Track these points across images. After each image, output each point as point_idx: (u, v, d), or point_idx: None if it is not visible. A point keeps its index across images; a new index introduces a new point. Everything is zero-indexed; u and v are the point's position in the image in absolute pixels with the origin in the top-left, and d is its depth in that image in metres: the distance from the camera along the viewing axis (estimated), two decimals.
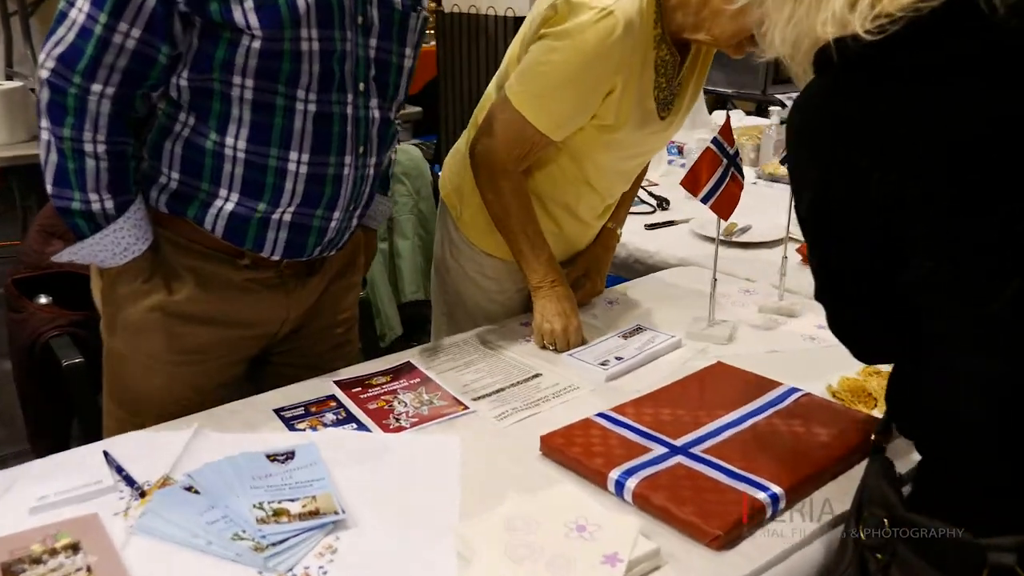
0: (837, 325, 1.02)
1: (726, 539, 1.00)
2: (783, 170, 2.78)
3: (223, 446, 1.19)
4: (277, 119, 1.24)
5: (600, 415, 1.26)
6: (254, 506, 1.04)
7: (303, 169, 1.29)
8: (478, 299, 1.70)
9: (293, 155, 1.27)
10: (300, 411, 1.31)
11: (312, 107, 1.26)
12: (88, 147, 1.21)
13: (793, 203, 0.98)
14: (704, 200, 1.48)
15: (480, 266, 1.68)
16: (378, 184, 1.50)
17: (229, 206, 1.29)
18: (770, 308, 1.71)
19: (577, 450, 1.16)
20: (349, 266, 1.55)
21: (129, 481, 1.12)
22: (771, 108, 2.97)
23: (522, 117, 1.47)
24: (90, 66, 1.16)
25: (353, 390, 1.38)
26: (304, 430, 1.26)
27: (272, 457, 1.16)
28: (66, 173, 1.22)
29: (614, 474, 1.10)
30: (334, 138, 1.30)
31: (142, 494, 1.09)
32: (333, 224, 1.37)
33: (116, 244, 1.27)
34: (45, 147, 1.21)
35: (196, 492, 1.08)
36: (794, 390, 1.33)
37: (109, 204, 1.25)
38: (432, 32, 3.92)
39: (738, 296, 1.80)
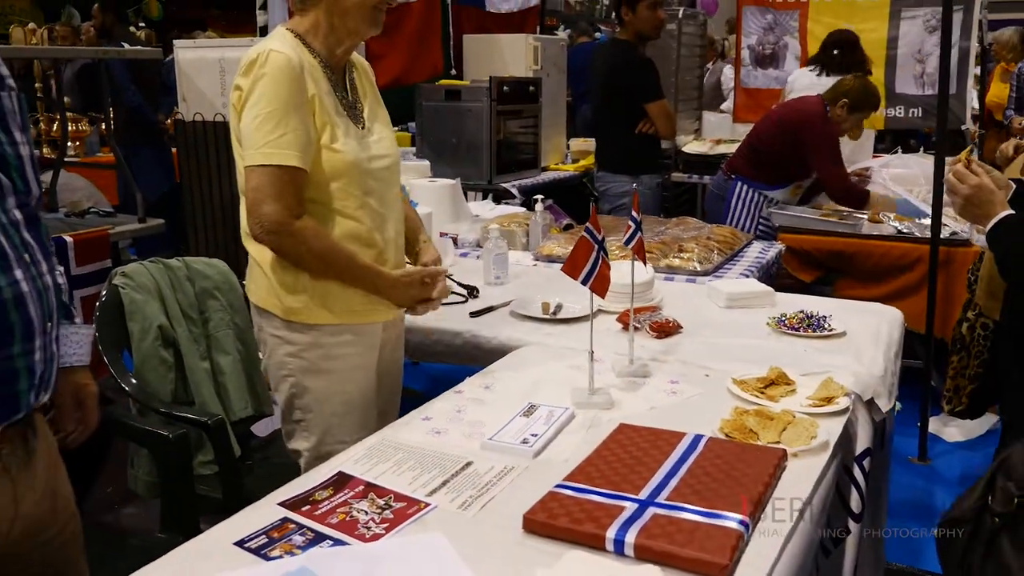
0: None
1: (732, 567, 1.15)
2: (559, 250, 3.07)
3: None
4: None
5: (560, 486, 1.36)
6: None
7: None
8: (343, 387, 1.87)
9: None
10: (263, 539, 1.26)
11: None
12: None
13: None
14: (583, 282, 1.66)
15: (328, 348, 1.84)
16: (62, 311, 1.37)
17: None
18: (626, 372, 1.92)
19: (563, 520, 1.26)
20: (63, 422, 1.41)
21: None
22: (536, 197, 3.27)
23: (273, 167, 1.69)
24: None
25: (303, 509, 1.35)
26: (281, 556, 1.21)
27: None
28: None
29: (610, 533, 1.21)
30: None
31: None
32: (38, 356, 1.18)
33: None
34: None
35: None
36: (698, 436, 1.53)
37: None
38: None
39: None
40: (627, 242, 1.88)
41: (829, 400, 1.72)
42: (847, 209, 3.88)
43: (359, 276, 1.84)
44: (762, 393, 1.76)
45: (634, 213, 1.87)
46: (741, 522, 1.24)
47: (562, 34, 9.63)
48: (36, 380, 1.19)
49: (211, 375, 2.27)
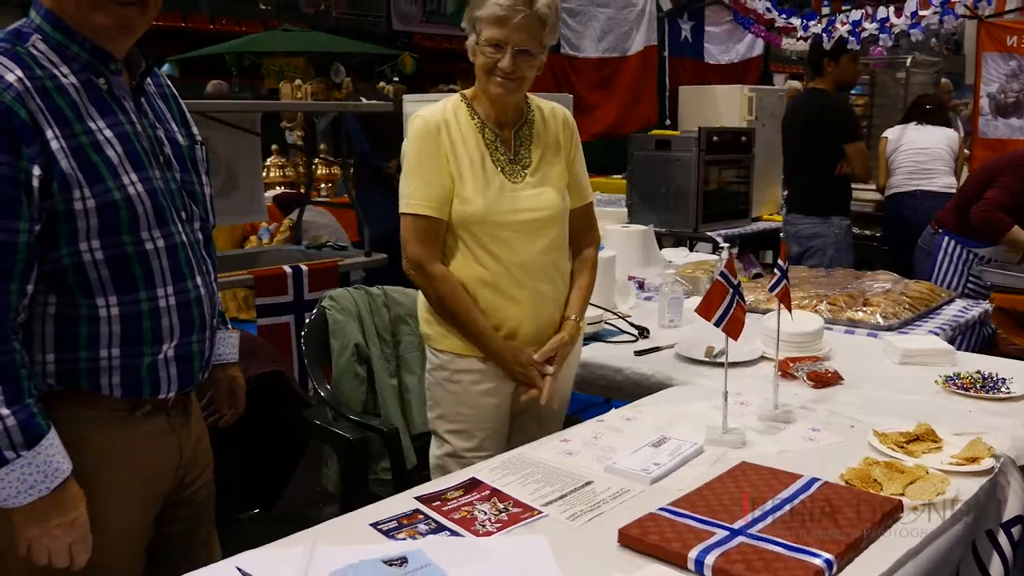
0: None
1: None
2: None
3: (340, 556, 1.34)
4: (136, 267, 1.38)
5: (662, 509, 1.46)
6: None
7: (173, 301, 1.43)
8: (467, 408, 2.05)
9: (160, 291, 1.41)
10: (394, 524, 1.47)
11: (161, 242, 1.41)
12: None
13: None
14: (716, 324, 1.75)
15: (452, 373, 2.05)
16: (219, 316, 1.66)
17: (117, 362, 1.38)
18: (768, 416, 1.96)
19: (654, 538, 1.36)
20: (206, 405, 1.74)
21: None
22: (722, 245, 3.32)
23: (411, 215, 1.96)
24: None
25: (434, 504, 1.54)
26: (405, 539, 1.41)
27: (389, 562, 1.32)
28: None
29: (692, 554, 1.30)
30: (183, 264, 1.46)
31: None
32: (207, 344, 1.53)
33: (23, 480, 1.25)
34: None
35: None
36: (814, 479, 1.56)
37: (12, 421, 1.24)
38: None
39: (736, 408, 2.04)
40: (772, 288, 1.93)
41: (973, 460, 1.67)
42: None
43: (470, 331, 1.99)
44: (902, 447, 1.74)
45: (780, 261, 1.92)
46: (826, 560, 1.27)
47: (797, 83, 9.46)
48: (204, 362, 1.54)
49: (398, 392, 2.55)
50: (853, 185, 4.49)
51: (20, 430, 1.25)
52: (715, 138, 4.88)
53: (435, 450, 2.13)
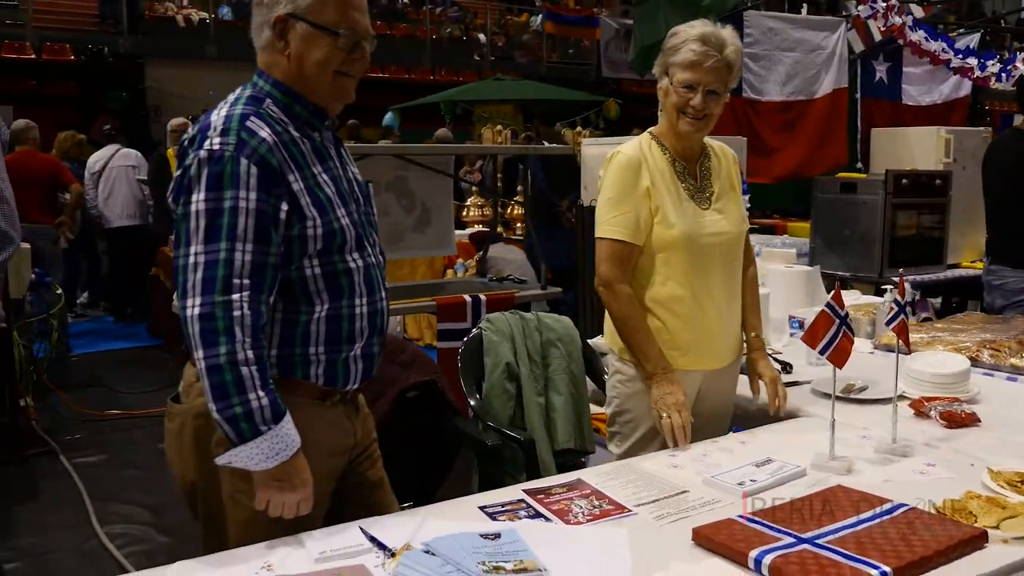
0: None
1: None
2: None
3: (446, 528, 1.56)
4: (343, 281, 1.68)
5: (739, 516, 1.57)
6: (479, 563, 1.40)
7: (366, 309, 1.73)
8: (653, 416, 2.18)
9: (358, 301, 1.71)
10: (499, 508, 1.68)
11: (360, 262, 1.71)
12: (240, 355, 1.51)
13: None
14: (821, 352, 1.83)
15: (646, 383, 2.21)
16: None
17: (322, 357, 1.67)
18: (885, 449, 1.98)
19: (723, 537, 1.48)
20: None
21: (381, 546, 1.51)
22: (884, 287, 3.28)
23: (609, 239, 2.18)
24: (225, 285, 1.52)
25: (538, 496, 1.74)
26: (505, 520, 1.62)
27: (484, 536, 1.53)
28: (225, 386, 1.50)
29: (753, 553, 1.41)
30: (374, 281, 1.75)
31: (392, 555, 1.47)
32: (381, 347, 1.80)
33: (271, 448, 1.54)
34: (204, 375, 1.51)
35: (432, 555, 1.45)
36: (900, 504, 1.61)
37: (265, 400, 1.52)
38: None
39: (856, 440, 2.07)
40: (888, 323, 1.97)
41: None
42: None
43: (641, 347, 2.18)
44: (1014, 487, 1.73)
45: (897, 296, 1.96)
46: (882, 572, 1.34)
47: None
48: (376, 361, 1.83)
49: (544, 409, 2.76)
50: None
51: (271, 409, 1.53)
52: (904, 181, 4.73)
53: (615, 449, 2.33)
